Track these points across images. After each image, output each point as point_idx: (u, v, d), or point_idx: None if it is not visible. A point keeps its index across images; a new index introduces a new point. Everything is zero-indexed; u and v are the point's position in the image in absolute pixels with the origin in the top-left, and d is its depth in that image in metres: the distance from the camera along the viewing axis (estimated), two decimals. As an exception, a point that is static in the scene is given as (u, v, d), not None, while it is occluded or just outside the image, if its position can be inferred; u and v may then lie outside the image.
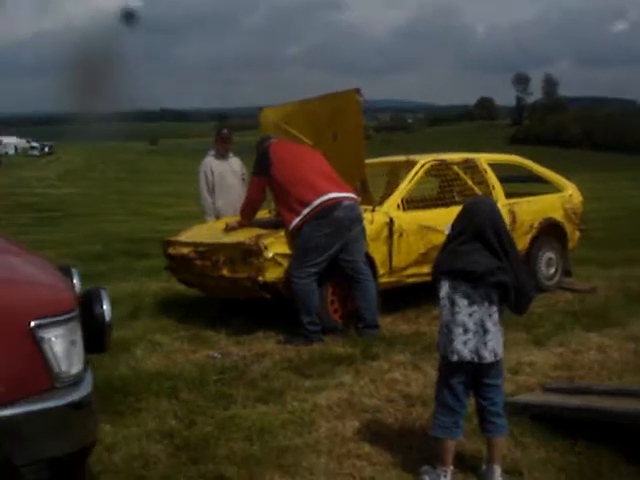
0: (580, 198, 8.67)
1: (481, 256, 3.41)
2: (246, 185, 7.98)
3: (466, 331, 3.44)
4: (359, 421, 4.41)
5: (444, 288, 3.50)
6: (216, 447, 3.99)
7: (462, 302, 3.46)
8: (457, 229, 3.53)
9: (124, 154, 61.35)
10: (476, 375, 3.53)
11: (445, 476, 3.52)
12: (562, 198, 8.49)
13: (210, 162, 8.20)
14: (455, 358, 3.45)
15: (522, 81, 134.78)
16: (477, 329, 3.44)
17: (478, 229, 3.43)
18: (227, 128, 8.64)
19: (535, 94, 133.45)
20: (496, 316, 3.49)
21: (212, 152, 8.27)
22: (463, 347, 3.44)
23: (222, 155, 8.22)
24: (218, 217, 7.98)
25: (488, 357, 3.44)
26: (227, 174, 8.18)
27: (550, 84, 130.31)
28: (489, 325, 3.45)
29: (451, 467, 3.56)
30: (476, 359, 3.44)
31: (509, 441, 4.01)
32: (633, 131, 73.29)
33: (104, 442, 4.00)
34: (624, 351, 5.85)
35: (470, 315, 3.45)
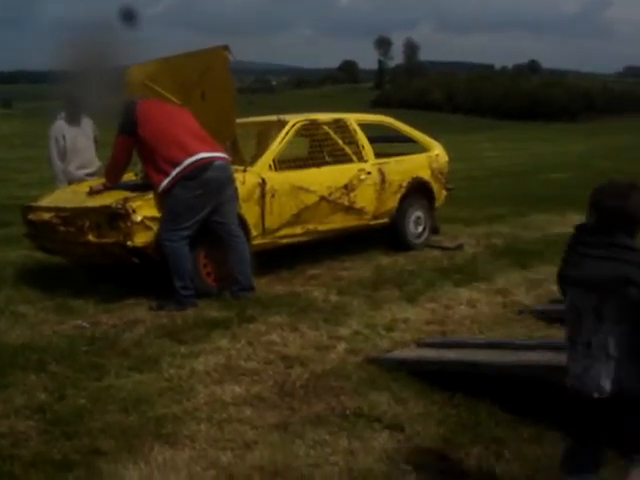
0: (446, 158, 8.85)
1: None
2: (98, 147, 7.86)
3: None
4: (238, 385, 4.33)
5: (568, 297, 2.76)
6: (90, 420, 3.81)
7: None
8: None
9: (-26, 118, 57.98)
10: None
11: None
12: (429, 158, 8.65)
13: (61, 127, 7.81)
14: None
15: (384, 45, 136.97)
16: None
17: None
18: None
19: (397, 58, 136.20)
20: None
21: (63, 116, 7.88)
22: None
23: (74, 119, 7.86)
24: (71, 182, 7.66)
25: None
26: (79, 138, 7.84)
27: (411, 48, 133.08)
28: None
29: None
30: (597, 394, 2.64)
31: (389, 397, 4.05)
32: (490, 95, 76.20)
33: (-32, 422, 3.75)
34: (493, 305, 6.06)
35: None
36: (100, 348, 5.00)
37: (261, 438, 3.62)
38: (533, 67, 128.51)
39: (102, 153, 7.94)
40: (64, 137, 7.75)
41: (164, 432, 3.68)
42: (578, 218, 10.03)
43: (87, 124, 8.02)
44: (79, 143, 7.82)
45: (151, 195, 6.16)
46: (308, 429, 3.71)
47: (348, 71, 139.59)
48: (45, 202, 6.87)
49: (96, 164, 7.94)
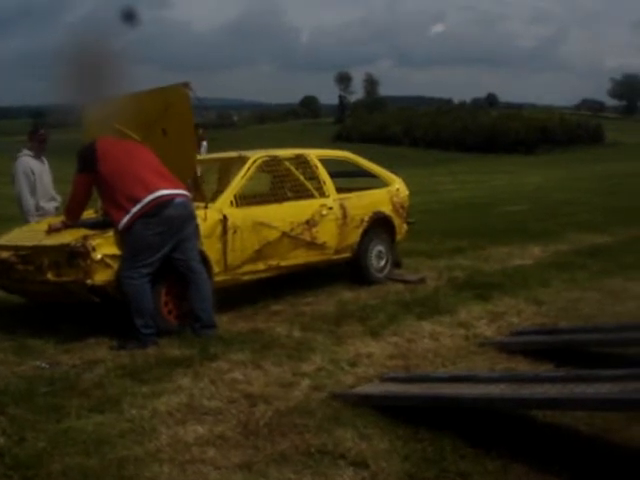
0: (406, 192, 8.94)
1: None
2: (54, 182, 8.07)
3: None
4: (201, 425, 4.27)
5: None
6: (51, 463, 3.72)
7: None
8: None
9: None
10: None
11: None
12: (390, 192, 8.73)
13: (28, 162, 7.88)
14: None
15: (344, 80, 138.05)
16: None
17: None
18: (43, 127, 8.28)
19: (357, 93, 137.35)
20: None
21: (28, 152, 7.93)
22: None
23: (39, 155, 7.97)
24: (43, 215, 7.68)
25: None
26: (44, 173, 8.01)
27: (371, 83, 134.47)
28: None
29: None
30: None
31: (353, 433, 4.03)
32: (449, 128, 77.28)
33: None
34: (455, 337, 6.09)
35: None
36: (60, 389, 4.90)
37: (225, 479, 3.58)
38: (491, 101, 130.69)
39: (60, 188, 7.95)
40: (33, 172, 7.82)
41: (126, 474, 3.61)
42: (538, 250, 10.30)
43: (45, 160, 8.11)
44: (44, 178, 7.96)
45: (111, 233, 6.11)
46: (272, 468, 3.67)
47: (309, 106, 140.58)
48: (3, 241, 6.78)
49: (58, 198, 8.02)
